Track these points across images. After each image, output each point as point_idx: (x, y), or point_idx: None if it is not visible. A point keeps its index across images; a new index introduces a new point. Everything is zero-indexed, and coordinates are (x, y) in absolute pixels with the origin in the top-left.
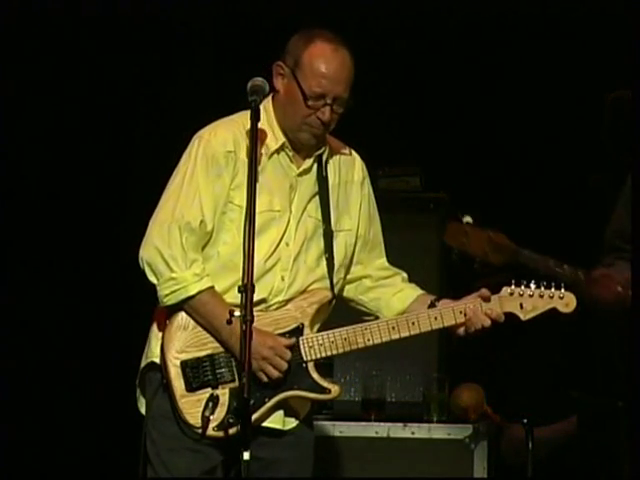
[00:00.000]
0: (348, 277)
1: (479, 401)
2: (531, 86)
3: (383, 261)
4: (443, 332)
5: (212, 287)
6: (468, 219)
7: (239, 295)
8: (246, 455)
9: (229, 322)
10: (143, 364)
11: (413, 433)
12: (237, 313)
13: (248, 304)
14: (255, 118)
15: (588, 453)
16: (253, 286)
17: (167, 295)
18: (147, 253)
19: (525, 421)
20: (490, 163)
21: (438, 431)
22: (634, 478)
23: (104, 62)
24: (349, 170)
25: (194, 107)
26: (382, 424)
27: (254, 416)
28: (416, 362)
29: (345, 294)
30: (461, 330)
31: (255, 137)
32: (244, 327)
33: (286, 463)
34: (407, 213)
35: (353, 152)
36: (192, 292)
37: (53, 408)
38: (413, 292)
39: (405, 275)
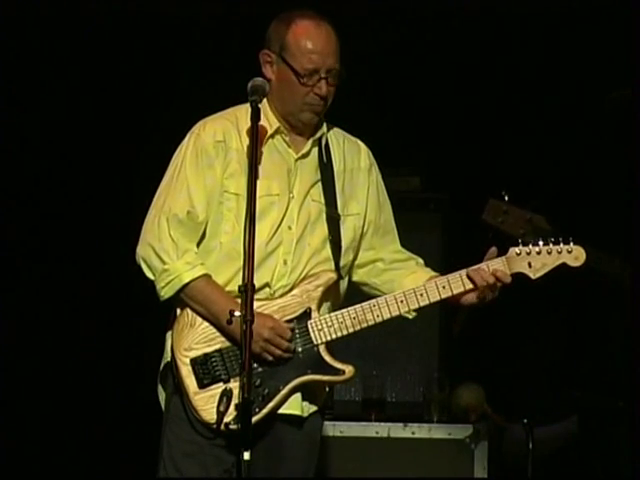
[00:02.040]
0: (360, 262)
1: (479, 401)
2: (531, 86)
3: (396, 245)
4: (443, 332)
5: (206, 275)
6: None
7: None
8: (246, 455)
9: (229, 322)
10: (162, 364)
11: (413, 433)
12: (237, 313)
13: (248, 304)
14: (256, 118)
15: (588, 453)
16: (253, 286)
17: (163, 287)
18: (142, 250)
19: (525, 421)
20: (490, 163)
21: (438, 431)
22: (634, 478)
23: (106, 62)
24: (354, 158)
25: (197, 107)
26: (382, 424)
27: (269, 405)
28: (416, 362)
29: (358, 278)
30: (470, 296)
31: (256, 136)
32: (244, 327)
33: (293, 461)
34: (407, 213)
35: (358, 141)
36: (185, 280)
37: (69, 408)
38: (427, 274)
39: (421, 260)
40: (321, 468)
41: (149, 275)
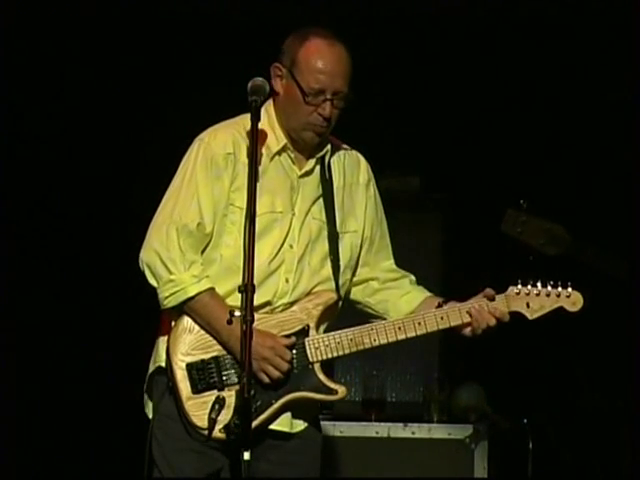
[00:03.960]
0: (355, 279)
1: (479, 401)
2: (531, 86)
3: (390, 263)
4: (444, 332)
5: (212, 289)
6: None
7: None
8: (246, 455)
9: (229, 322)
10: (151, 369)
11: (413, 433)
12: (237, 313)
13: (248, 304)
14: (256, 118)
15: (588, 453)
16: (253, 286)
17: (167, 297)
18: (146, 256)
19: (525, 421)
20: (490, 163)
21: (438, 431)
22: (634, 478)
23: (107, 64)
24: (354, 172)
25: (198, 109)
26: (382, 424)
27: (261, 417)
28: (416, 362)
29: (352, 297)
30: (467, 330)
31: (255, 137)
32: (244, 327)
33: (294, 467)
34: (407, 213)
35: (358, 155)
36: (191, 294)
37: (59, 411)
38: (421, 294)
39: (413, 278)
40: (321, 468)
41: (152, 282)
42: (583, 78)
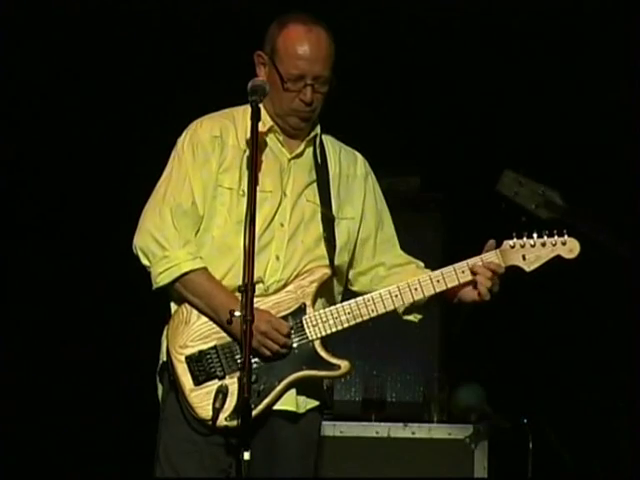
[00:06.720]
0: (362, 269)
1: (479, 401)
2: (531, 85)
3: (397, 251)
4: (443, 332)
5: (206, 268)
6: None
7: (238, 277)
8: (246, 455)
9: (229, 322)
10: (159, 364)
11: (413, 433)
12: (237, 313)
13: (248, 304)
14: (256, 118)
15: (588, 453)
16: (253, 286)
17: (160, 274)
18: (140, 239)
19: (525, 421)
20: (490, 163)
21: (438, 431)
22: (634, 478)
23: (106, 62)
24: (350, 165)
25: (196, 105)
26: (382, 424)
27: (265, 401)
28: (416, 362)
29: (361, 287)
30: (470, 292)
31: (255, 137)
32: (244, 327)
33: (287, 460)
34: (407, 213)
35: (355, 151)
36: (185, 269)
37: (68, 407)
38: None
39: (421, 263)
40: (321, 468)
41: (145, 262)
42: (583, 77)
